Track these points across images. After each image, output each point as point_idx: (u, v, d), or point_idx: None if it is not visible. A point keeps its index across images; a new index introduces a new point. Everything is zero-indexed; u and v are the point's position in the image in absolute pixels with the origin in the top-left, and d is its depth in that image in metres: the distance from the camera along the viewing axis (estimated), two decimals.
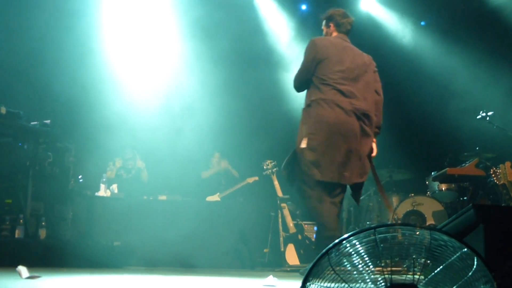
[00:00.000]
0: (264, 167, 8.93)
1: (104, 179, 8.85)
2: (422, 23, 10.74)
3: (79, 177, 8.63)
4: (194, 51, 10.19)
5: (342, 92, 5.00)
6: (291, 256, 8.36)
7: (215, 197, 9.38)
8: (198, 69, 10.23)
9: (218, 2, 10.10)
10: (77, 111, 9.63)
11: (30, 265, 4.26)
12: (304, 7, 10.83)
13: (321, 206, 5.04)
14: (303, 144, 5.09)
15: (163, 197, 9.09)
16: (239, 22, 10.49)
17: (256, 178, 9.45)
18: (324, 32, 5.39)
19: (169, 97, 10.33)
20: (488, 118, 8.06)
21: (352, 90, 5.05)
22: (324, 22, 5.39)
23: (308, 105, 5.16)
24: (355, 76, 5.14)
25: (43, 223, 7.05)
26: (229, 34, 10.38)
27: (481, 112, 8.16)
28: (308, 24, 10.75)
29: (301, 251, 8.41)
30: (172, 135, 10.04)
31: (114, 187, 8.94)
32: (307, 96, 5.24)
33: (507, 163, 7.76)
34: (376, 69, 5.40)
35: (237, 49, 10.56)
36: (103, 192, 8.73)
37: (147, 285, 4.17)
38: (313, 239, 8.89)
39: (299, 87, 5.33)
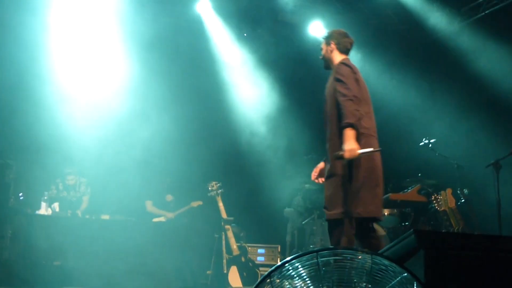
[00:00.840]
0: (209, 188, 8.90)
1: (45, 197, 8.66)
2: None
3: (20, 194, 8.44)
4: (138, 69, 10.09)
5: None
6: (234, 278, 8.32)
7: (161, 218, 9.30)
8: (142, 89, 10.13)
9: (163, 14, 10.05)
10: (18, 127, 9.41)
11: None
12: (245, 34, 10.85)
13: None
14: None
15: (106, 217, 8.95)
16: (185, 38, 10.46)
17: (200, 202, 9.39)
18: (323, 51, 5.35)
19: (110, 115, 10.17)
20: (430, 145, 8.22)
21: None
22: (324, 41, 5.37)
23: None
24: None
25: None
26: (174, 56, 10.35)
27: (424, 139, 8.31)
28: (252, 50, 10.80)
29: (244, 274, 8.38)
30: (115, 154, 9.89)
31: (56, 205, 8.76)
32: None
33: (448, 190, 7.92)
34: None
35: (187, 73, 10.54)
36: (44, 210, 8.54)
37: None
38: (257, 262, 8.87)
39: None
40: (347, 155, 4.66)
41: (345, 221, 4.75)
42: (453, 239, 3.31)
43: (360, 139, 4.78)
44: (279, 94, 10.70)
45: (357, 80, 4.99)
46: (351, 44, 5.35)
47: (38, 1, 9.40)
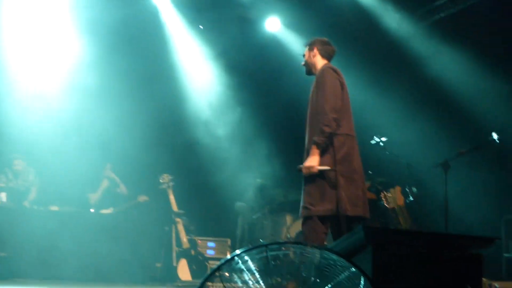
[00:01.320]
0: (161, 180, 8.85)
1: None
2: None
3: None
4: (90, 58, 9.94)
5: None
6: (184, 271, 8.30)
7: (109, 210, 9.20)
8: (91, 78, 9.98)
9: (119, 3, 9.93)
10: None
11: None
12: (201, 27, 10.80)
13: None
14: None
15: (55, 208, 8.83)
16: (140, 28, 10.36)
17: (147, 198, 9.32)
18: (306, 57, 5.46)
19: (60, 104, 9.99)
20: (381, 144, 8.31)
21: None
22: (307, 47, 5.47)
23: None
24: None
25: None
26: (128, 45, 10.23)
27: (375, 137, 8.40)
28: (208, 43, 10.76)
29: (194, 267, 8.36)
30: (64, 144, 9.74)
31: (3, 195, 8.60)
32: None
33: (397, 188, 8.04)
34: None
35: (138, 65, 10.42)
36: None
37: None
38: (206, 255, 8.87)
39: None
40: (305, 171, 4.98)
41: (316, 219, 4.91)
42: (400, 236, 3.37)
43: (341, 141, 5.02)
44: (233, 89, 10.68)
45: (341, 84, 5.17)
46: (334, 52, 5.48)
47: None
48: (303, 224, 5.12)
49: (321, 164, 4.93)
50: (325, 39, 5.51)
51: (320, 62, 5.39)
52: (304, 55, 5.50)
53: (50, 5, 9.71)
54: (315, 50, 5.39)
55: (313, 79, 5.35)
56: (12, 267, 7.60)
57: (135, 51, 10.26)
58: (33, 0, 9.65)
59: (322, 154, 4.97)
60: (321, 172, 4.91)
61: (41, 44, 9.86)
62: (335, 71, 5.20)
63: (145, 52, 10.45)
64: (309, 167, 4.93)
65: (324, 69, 5.24)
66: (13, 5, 9.55)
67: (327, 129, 4.93)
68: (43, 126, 9.58)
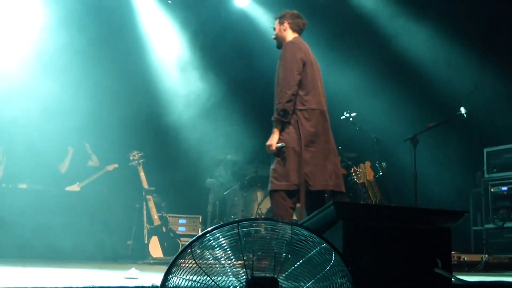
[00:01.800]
0: (131, 157, 8.80)
1: None
2: None
3: None
4: (61, 38, 9.81)
5: None
6: (155, 248, 8.30)
7: (75, 187, 9.12)
8: (63, 56, 9.85)
9: None
10: None
11: None
12: (169, 1, 10.70)
13: None
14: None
15: (24, 186, 8.75)
16: (109, 11, 10.24)
17: (116, 165, 9.26)
18: (276, 30, 5.45)
19: (31, 82, 9.86)
20: (351, 119, 8.36)
21: None
22: (277, 21, 5.46)
23: None
24: None
25: None
26: (99, 23, 10.11)
27: (345, 112, 8.44)
28: (176, 17, 10.67)
29: (165, 244, 8.37)
30: (32, 120, 9.62)
31: None
32: None
33: (367, 163, 8.11)
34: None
35: (107, 39, 10.29)
36: None
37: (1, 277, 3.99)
38: (178, 232, 8.87)
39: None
40: (267, 150, 5.16)
41: (282, 193, 5.01)
42: (370, 211, 3.41)
43: (305, 116, 5.06)
44: (203, 65, 10.62)
45: (302, 60, 5.14)
46: (304, 25, 5.47)
47: None
48: (270, 198, 5.24)
49: (285, 140, 5.02)
50: (296, 12, 5.51)
51: (290, 35, 5.38)
52: (274, 28, 5.49)
53: None
54: (286, 24, 5.39)
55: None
56: None
57: (102, 25, 10.14)
58: None
59: (287, 130, 5.05)
60: (285, 147, 4.96)
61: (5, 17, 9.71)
62: (299, 45, 5.22)
63: (113, 26, 10.33)
64: (268, 146, 5.07)
65: (287, 43, 5.27)
66: None
67: (280, 106, 5.00)
68: (8, 103, 9.45)
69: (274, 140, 5.02)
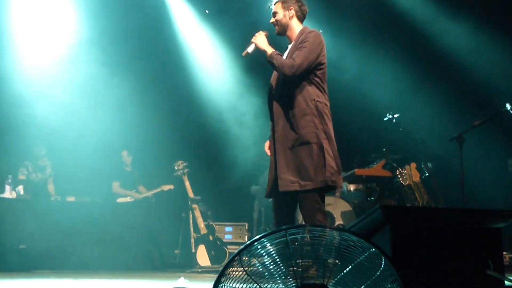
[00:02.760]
0: (175, 167, 8.86)
1: (9, 180, 8.54)
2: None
3: None
4: (107, 50, 9.98)
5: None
6: (202, 257, 8.34)
7: (126, 198, 9.25)
8: (108, 68, 10.02)
9: (129, 5, 9.97)
10: None
11: None
12: (207, 11, 10.76)
13: None
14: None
15: (72, 198, 8.89)
16: (151, 23, 10.41)
17: (172, 186, 9.34)
18: (278, 16, 4.86)
19: (76, 95, 10.04)
20: (394, 120, 8.29)
21: None
22: (280, 5, 4.86)
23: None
24: None
25: None
26: (142, 36, 10.28)
27: (387, 114, 8.38)
28: (218, 28, 10.73)
29: (212, 252, 8.40)
30: (80, 135, 9.80)
31: (20, 188, 8.65)
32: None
33: (412, 164, 8.01)
34: None
35: (149, 51, 10.45)
36: (8, 193, 8.43)
37: None
38: (224, 240, 8.90)
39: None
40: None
41: (315, 193, 4.51)
42: (418, 213, 3.37)
43: (325, 112, 4.69)
44: (244, 74, 10.63)
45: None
46: (307, 13, 5.00)
47: None
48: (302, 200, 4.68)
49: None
50: None
51: (297, 25, 4.90)
52: (275, 13, 4.91)
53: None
54: (293, 10, 4.85)
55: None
56: (32, 259, 7.67)
57: (145, 42, 10.33)
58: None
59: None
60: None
61: (51, 38, 9.93)
62: (322, 41, 4.81)
63: (155, 40, 10.50)
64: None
65: (319, 34, 4.80)
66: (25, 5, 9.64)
67: (287, 71, 4.60)
68: (58, 119, 9.64)
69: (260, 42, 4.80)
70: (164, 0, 10.54)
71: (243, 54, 4.84)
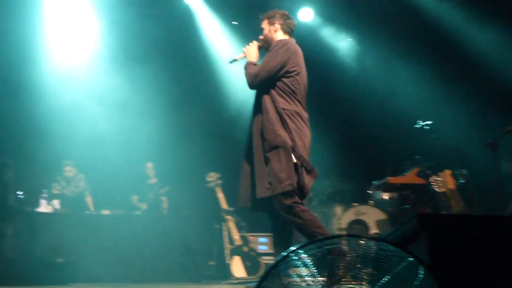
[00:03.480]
0: (208, 179, 8.89)
1: (44, 195, 8.67)
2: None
3: (19, 193, 8.44)
4: (134, 63, 10.08)
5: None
6: (238, 268, 8.35)
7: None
8: (137, 82, 10.12)
9: (155, 16, 10.08)
10: (14, 125, 9.41)
11: None
12: (234, 22, 10.81)
13: None
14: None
15: (107, 212, 8.98)
16: (179, 35, 10.50)
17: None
18: (265, 32, 5.10)
19: (106, 106, 10.14)
20: (427, 127, 8.22)
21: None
22: (266, 21, 5.11)
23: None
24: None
25: None
26: (170, 49, 10.37)
27: (420, 121, 8.31)
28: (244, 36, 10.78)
29: (247, 263, 8.40)
30: (112, 148, 9.89)
31: (56, 202, 8.77)
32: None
33: (447, 171, 7.92)
34: None
35: (179, 63, 10.53)
36: (44, 208, 8.55)
37: None
38: (259, 251, 8.89)
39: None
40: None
41: (287, 196, 4.61)
42: (455, 221, 3.32)
43: (294, 119, 4.77)
44: None
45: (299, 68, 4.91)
46: (294, 26, 5.19)
47: None
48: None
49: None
50: (286, 12, 5.20)
51: (280, 37, 5.08)
52: (262, 29, 5.15)
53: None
54: (277, 25, 5.08)
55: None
56: (70, 272, 7.76)
57: (174, 53, 10.39)
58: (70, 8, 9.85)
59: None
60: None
61: (81, 52, 10.05)
62: (290, 49, 4.90)
63: (183, 52, 10.57)
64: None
65: (286, 42, 4.94)
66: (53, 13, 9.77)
67: (248, 79, 4.90)
68: (89, 132, 9.75)
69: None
70: (192, 12, 10.61)
71: (230, 61, 5.08)
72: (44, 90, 9.61)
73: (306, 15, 10.69)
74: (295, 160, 4.65)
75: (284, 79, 4.81)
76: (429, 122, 8.25)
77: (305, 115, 4.89)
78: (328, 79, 10.31)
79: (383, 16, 10.27)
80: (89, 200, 9.47)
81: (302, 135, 4.80)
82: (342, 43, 11.12)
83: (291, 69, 4.83)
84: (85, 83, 9.95)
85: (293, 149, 4.68)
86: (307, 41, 10.68)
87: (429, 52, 10.14)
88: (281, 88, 4.82)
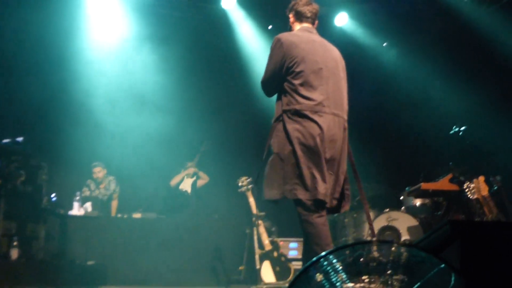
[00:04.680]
0: (239, 183, 8.89)
1: (77, 198, 8.76)
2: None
3: (52, 195, 8.53)
4: (166, 68, 10.16)
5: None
6: (267, 273, 8.32)
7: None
8: (171, 85, 10.19)
9: (193, 19, 10.14)
10: (49, 128, 9.53)
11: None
12: (270, 27, 10.82)
13: None
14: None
15: (138, 215, 9.03)
16: (212, 35, 10.56)
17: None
18: (290, 23, 5.07)
19: (140, 108, 10.22)
20: (461, 133, 8.13)
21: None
22: (287, 13, 5.09)
23: None
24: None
25: (14, 243, 6.94)
26: (206, 47, 10.43)
27: (454, 127, 8.23)
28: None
29: (277, 268, 8.37)
30: (143, 151, 9.97)
31: (88, 205, 8.85)
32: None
33: (481, 178, 7.81)
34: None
35: (216, 71, 10.61)
36: (76, 210, 8.63)
37: None
38: (289, 256, 8.86)
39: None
40: None
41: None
42: (489, 228, 3.27)
43: (294, 119, 4.58)
44: None
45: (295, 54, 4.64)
46: (310, 11, 5.00)
47: None
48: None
49: None
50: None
51: (298, 27, 5.00)
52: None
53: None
54: (291, 17, 5.04)
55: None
56: (101, 275, 7.81)
57: (210, 58, 10.46)
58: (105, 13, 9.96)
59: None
60: None
61: (115, 55, 10.15)
62: (281, 41, 4.70)
63: (220, 57, 10.63)
64: None
65: (279, 38, 4.75)
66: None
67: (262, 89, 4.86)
68: (120, 136, 9.84)
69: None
70: (229, 17, 10.66)
71: None
72: (79, 93, 9.73)
73: (342, 20, 10.69)
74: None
75: (288, 77, 4.62)
76: (463, 128, 8.17)
77: (307, 107, 4.56)
78: (363, 84, 10.25)
79: (419, 20, 10.19)
80: (114, 204, 9.53)
81: (306, 132, 4.54)
82: (378, 48, 11.08)
83: (290, 64, 4.62)
84: (122, 85, 10.05)
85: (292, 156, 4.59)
86: (342, 44, 10.70)
87: (465, 57, 10.04)
88: (286, 87, 4.65)
